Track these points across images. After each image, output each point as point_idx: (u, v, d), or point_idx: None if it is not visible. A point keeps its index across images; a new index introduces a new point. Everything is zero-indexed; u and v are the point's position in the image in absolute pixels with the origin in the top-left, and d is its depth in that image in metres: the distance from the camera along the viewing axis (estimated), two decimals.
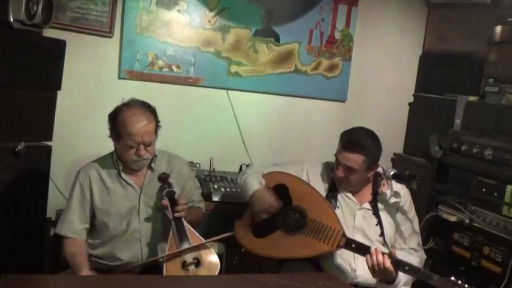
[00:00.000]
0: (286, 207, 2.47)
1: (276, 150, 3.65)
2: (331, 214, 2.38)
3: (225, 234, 2.38)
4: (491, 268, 2.65)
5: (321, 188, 2.52)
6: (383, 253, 2.17)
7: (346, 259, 2.39)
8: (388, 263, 2.15)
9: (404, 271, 2.18)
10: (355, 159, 2.37)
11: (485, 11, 3.47)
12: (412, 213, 2.53)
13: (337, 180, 2.49)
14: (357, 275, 2.37)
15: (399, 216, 2.49)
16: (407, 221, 2.50)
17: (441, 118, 3.36)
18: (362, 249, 2.25)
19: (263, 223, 2.46)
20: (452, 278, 2.03)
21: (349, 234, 2.36)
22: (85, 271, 2.19)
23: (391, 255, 2.18)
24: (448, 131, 3.12)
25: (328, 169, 2.58)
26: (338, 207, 2.47)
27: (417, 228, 2.54)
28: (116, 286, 1.90)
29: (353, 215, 2.46)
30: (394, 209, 2.49)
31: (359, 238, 2.37)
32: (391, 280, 2.22)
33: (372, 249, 2.20)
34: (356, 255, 2.33)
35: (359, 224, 2.44)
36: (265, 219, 2.46)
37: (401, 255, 2.29)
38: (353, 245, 2.28)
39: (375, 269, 2.17)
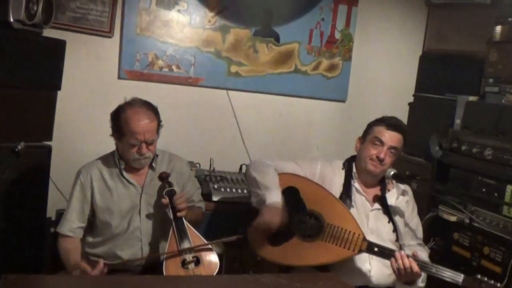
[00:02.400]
0: (301, 212, 2.36)
1: (276, 150, 3.65)
2: (348, 217, 2.30)
3: (231, 238, 2.29)
4: (491, 268, 2.65)
5: (336, 186, 2.45)
6: (407, 256, 2.14)
7: (362, 260, 2.33)
8: (416, 267, 2.12)
9: (431, 273, 2.14)
10: (399, 140, 2.42)
11: (485, 11, 3.46)
12: (416, 211, 2.55)
13: (367, 163, 2.41)
14: (371, 276, 2.32)
15: (406, 213, 2.50)
16: (413, 217, 2.52)
17: (441, 118, 3.35)
18: (385, 253, 2.20)
19: (278, 230, 2.33)
20: (478, 276, 2.05)
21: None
22: (81, 264, 2.17)
23: (416, 258, 2.15)
24: (448, 131, 3.12)
25: (342, 166, 2.52)
26: (353, 207, 2.41)
27: (420, 224, 2.55)
28: (116, 286, 1.90)
29: (367, 216, 2.42)
30: (401, 206, 2.49)
31: (373, 238, 2.31)
32: (414, 280, 2.20)
33: (397, 253, 2.15)
34: (371, 256, 2.28)
35: (373, 224, 2.40)
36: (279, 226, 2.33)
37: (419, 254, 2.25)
38: (376, 249, 2.22)
39: (401, 273, 2.14)
